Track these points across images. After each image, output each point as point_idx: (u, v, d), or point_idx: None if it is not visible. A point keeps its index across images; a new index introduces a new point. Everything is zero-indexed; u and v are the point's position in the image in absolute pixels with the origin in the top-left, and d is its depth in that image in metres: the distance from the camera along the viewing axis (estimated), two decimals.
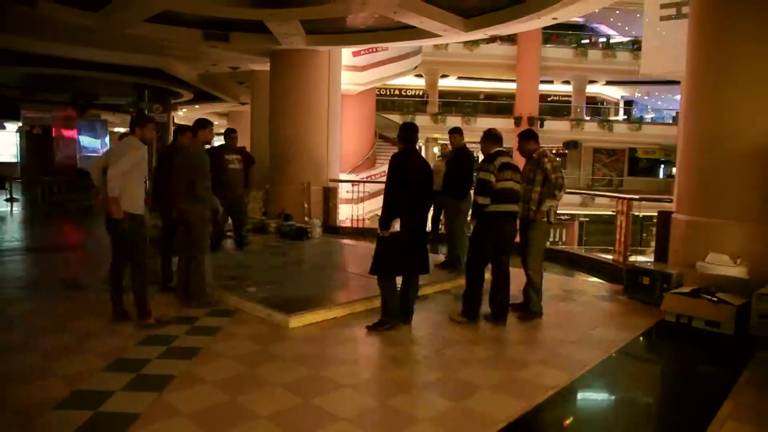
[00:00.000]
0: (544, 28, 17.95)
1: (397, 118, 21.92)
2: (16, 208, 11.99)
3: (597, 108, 30.71)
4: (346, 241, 8.48)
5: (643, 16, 7.83)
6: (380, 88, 20.36)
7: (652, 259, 6.14)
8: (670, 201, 6.22)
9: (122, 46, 10.33)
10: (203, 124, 4.66)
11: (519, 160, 4.60)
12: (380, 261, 4.00)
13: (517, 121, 21.60)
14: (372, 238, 8.53)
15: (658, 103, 31.80)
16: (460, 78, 27.44)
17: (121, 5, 7.48)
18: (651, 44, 7.59)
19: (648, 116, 31.44)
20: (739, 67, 4.82)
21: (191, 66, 12.70)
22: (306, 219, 8.96)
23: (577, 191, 20.63)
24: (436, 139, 27.75)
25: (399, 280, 4.16)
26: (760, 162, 4.72)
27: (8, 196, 12.40)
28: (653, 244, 6.43)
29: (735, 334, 4.19)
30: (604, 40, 25.47)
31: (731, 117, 4.86)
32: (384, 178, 4.11)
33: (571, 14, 7.83)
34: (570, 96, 27.16)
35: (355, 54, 13.54)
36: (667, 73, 7.43)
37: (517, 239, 4.50)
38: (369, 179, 13.48)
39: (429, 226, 4.94)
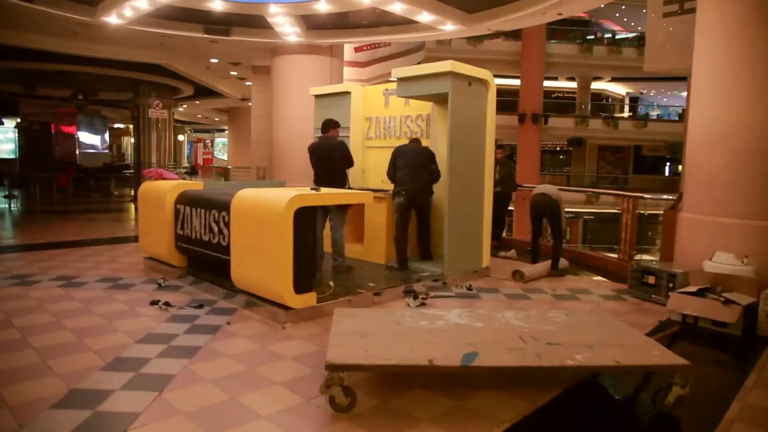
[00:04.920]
0: (549, 24, 17.82)
1: None
2: (14, 205, 11.99)
3: (602, 105, 30.53)
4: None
5: (647, 11, 7.75)
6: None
7: (657, 258, 6.09)
8: (672, 199, 6.16)
9: (122, 42, 10.29)
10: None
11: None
12: None
13: (521, 118, 21.43)
14: None
15: (664, 99, 31.62)
16: None
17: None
18: (655, 40, 7.52)
19: (654, 113, 31.28)
20: (749, 62, 4.74)
21: (192, 61, 12.66)
22: None
23: (582, 189, 20.52)
24: None
25: None
26: None
27: (6, 192, 12.40)
28: (659, 242, 6.38)
29: (742, 334, 4.14)
30: (609, 36, 25.29)
31: (739, 114, 4.79)
32: None
33: (577, 10, 7.74)
34: (575, 92, 26.99)
35: (357, 50, 13.44)
36: (672, 69, 7.37)
37: None
38: None
39: None
